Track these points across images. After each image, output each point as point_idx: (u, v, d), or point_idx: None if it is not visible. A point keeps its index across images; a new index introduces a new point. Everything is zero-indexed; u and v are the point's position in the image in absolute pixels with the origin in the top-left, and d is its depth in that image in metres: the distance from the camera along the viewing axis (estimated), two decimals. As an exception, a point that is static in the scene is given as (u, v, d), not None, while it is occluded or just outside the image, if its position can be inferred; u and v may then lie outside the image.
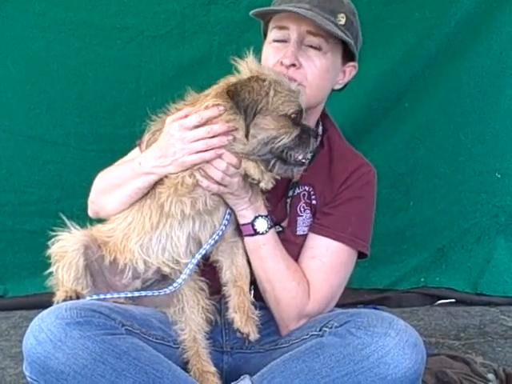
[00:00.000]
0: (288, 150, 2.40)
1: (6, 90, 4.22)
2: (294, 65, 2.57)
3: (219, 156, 2.38)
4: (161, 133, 2.48)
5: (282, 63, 2.57)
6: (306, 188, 2.73)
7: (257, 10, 2.64)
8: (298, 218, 2.71)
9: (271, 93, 2.38)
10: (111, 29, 4.15)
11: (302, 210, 2.72)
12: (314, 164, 2.71)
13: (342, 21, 2.59)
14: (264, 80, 2.40)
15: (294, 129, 2.40)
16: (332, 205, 2.70)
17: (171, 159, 2.41)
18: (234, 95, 2.37)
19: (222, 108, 2.39)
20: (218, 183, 2.42)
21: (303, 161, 2.45)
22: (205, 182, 2.41)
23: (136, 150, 2.78)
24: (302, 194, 2.72)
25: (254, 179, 2.42)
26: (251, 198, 2.52)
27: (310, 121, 2.71)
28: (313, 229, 2.69)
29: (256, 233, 2.55)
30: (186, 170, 2.42)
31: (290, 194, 2.70)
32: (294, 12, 2.51)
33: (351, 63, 2.74)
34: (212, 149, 2.37)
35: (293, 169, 2.46)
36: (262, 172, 2.40)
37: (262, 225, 2.55)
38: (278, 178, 2.46)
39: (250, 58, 2.49)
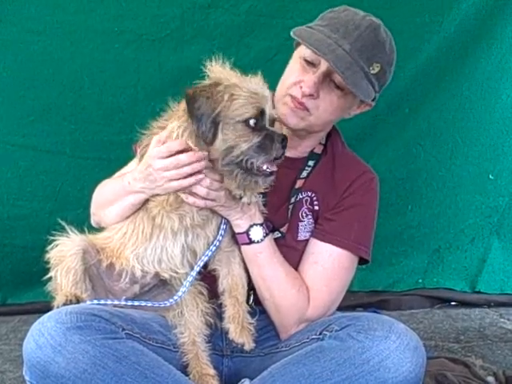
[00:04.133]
0: (249, 158, 2.35)
1: None
2: (312, 95, 2.59)
3: (200, 179, 2.40)
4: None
5: (301, 87, 2.59)
6: (309, 193, 2.77)
7: (297, 37, 2.62)
8: (300, 223, 2.75)
9: (225, 97, 2.33)
10: (109, 32, 4.12)
11: (304, 215, 2.76)
12: (316, 170, 2.78)
13: (376, 70, 2.60)
14: (219, 85, 2.36)
15: (254, 135, 2.35)
16: (335, 211, 2.74)
17: (155, 185, 2.45)
18: (189, 102, 2.34)
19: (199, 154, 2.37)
20: (205, 198, 2.44)
21: (268, 171, 2.38)
22: (190, 199, 2.44)
23: (135, 161, 2.78)
24: (304, 200, 2.76)
25: (235, 194, 2.44)
26: (244, 207, 2.55)
27: (316, 138, 2.80)
28: (315, 234, 2.73)
29: (251, 241, 2.59)
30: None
31: (293, 200, 2.73)
32: (330, 63, 2.51)
33: (368, 101, 2.73)
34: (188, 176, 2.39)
35: (257, 180, 2.40)
36: (243, 188, 2.42)
37: (257, 233, 2.59)
38: (262, 190, 2.49)
39: (216, 64, 2.45)
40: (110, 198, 2.68)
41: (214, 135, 2.33)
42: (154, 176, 2.43)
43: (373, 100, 2.74)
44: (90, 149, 4.27)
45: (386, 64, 2.65)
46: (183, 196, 2.44)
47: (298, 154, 2.83)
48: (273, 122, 2.45)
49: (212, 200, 2.46)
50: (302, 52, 2.64)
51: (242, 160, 2.35)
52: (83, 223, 2.78)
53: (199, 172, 2.39)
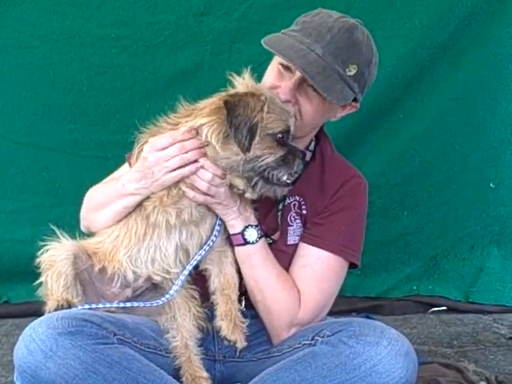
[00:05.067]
0: (271, 169, 2.35)
1: (2, 97, 4.15)
2: (289, 101, 2.48)
3: (199, 168, 2.35)
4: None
5: (277, 93, 2.48)
6: (297, 198, 2.67)
7: (266, 44, 2.47)
8: (289, 227, 2.65)
9: (265, 109, 2.31)
10: (106, 38, 4.09)
11: (293, 219, 2.66)
12: (305, 175, 2.66)
13: (353, 72, 2.45)
14: (260, 96, 2.33)
15: (279, 149, 2.35)
16: (323, 215, 2.64)
17: (151, 181, 2.38)
18: (230, 109, 2.30)
19: (194, 132, 2.34)
20: (205, 193, 2.38)
21: (287, 181, 2.40)
22: (191, 193, 2.38)
23: (125, 166, 2.74)
24: (292, 204, 2.66)
25: (239, 189, 2.38)
26: (240, 208, 2.48)
27: (303, 143, 2.66)
28: (304, 239, 2.64)
29: (246, 242, 2.51)
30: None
31: (281, 206, 2.64)
32: (299, 69, 2.38)
33: (353, 103, 2.60)
34: (189, 164, 2.35)
35: (276, 189, 2.41)
36: (245, 183, 2.37)
37: (252, 234, 2.50)
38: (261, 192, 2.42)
39: (247, 75, 2.42)
40: (103, 201, 2.60)
41: (250, 143, 2.30)
42: (151, 170, 2.37)
43: (356, 101, 2.60)
44: (88, 147, 4.24)
45: (363, 64, 2.50)
46: (185, 189, 2.39)
47: None
48: (292, 137, 2.45)
49: (212, 196, 2.40)
50: (278, 58, 2.53)
51: (264, 170, 2.35)
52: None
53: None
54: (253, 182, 2.36)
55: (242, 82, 2.41)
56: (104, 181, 2.78)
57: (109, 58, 4.11)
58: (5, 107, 4.15)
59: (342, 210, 2.63)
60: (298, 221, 2.65)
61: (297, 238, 2.65)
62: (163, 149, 2.34)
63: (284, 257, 2.62)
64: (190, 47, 4.08)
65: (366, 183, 2.73)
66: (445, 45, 4.15)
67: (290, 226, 2.65)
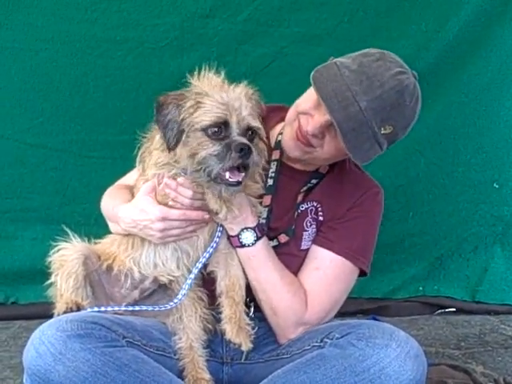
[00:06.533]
0: (207, 166, 2.14)
1: (11, 99, 4.10)
2: (316, 135, 2.36)
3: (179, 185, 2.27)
4: (148, 157, 2.35)
5: (308, 121, 2.36)
6: (314, 204, 2.57)
7: (315, 81, 2.30)
8: (304, 232, 2.56)
9: (188, 104, 2.15)
10: (112, 41, 4.02)
11: (309, 224, 2.56)
12: (323, 184, 2.59)
13: (387, 131, 2.31)
14: (187, 92, 2.20)
15: (214, 144, 2.14)
16: (340, 221, 2.56)
17: (141, 231, 2.35)
18: (157, 109, 2.19)
19: (207, 216, 2.29)
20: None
21: (231, 180, 2.14)
22: (178, 206, 2.30)
23: (135, 171, 2.62)
24: (309, 210, 2.57)
25: (212, 209, 2.25)
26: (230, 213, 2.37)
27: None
28: (317, 241, 2.55)
29: (242, 245, 2.41)
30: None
31: (298, 211, 2.54)
32: (335, 123, 2.23)
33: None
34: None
35: (221, 188, 2.18)
36: (220, 204, 2.23)
37: (248, 237, 2.40)
38: (237, 212, 2.29)
39: (207, 71, 2.25)
40: (107, 214, 2.60)
41: (177, 142, 2.17)
42: (150, 231, 2.32)
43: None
44: (95, 148, 4.19)
45: (400, 127, 2.37)
46: (171, 203, 2.30)
47: (304, 168, 2.62)
48: (247, 130, 2.20)
49: (199, 207, 2.32)
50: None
51: (201, 168, 2.17)
52: (90, 217, 2.89)
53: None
54: (203, 183, 2.20)
55: (197, 79, 2.23)
56: (118, 182, 2.73)
57: (115, 60, 4.05)
58: (13, 109, 4.11)
59: (358, 217, 2.55)
60: (314, 226, 2.56)
61: (310, 243, 2.56)
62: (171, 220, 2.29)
63: (296, 261, 2.54)
64: (195, 49, 4.01)
65: (383, 192, 2.66)
66: (450, 47, 4.07)
67: (306, 231, 2.55)
